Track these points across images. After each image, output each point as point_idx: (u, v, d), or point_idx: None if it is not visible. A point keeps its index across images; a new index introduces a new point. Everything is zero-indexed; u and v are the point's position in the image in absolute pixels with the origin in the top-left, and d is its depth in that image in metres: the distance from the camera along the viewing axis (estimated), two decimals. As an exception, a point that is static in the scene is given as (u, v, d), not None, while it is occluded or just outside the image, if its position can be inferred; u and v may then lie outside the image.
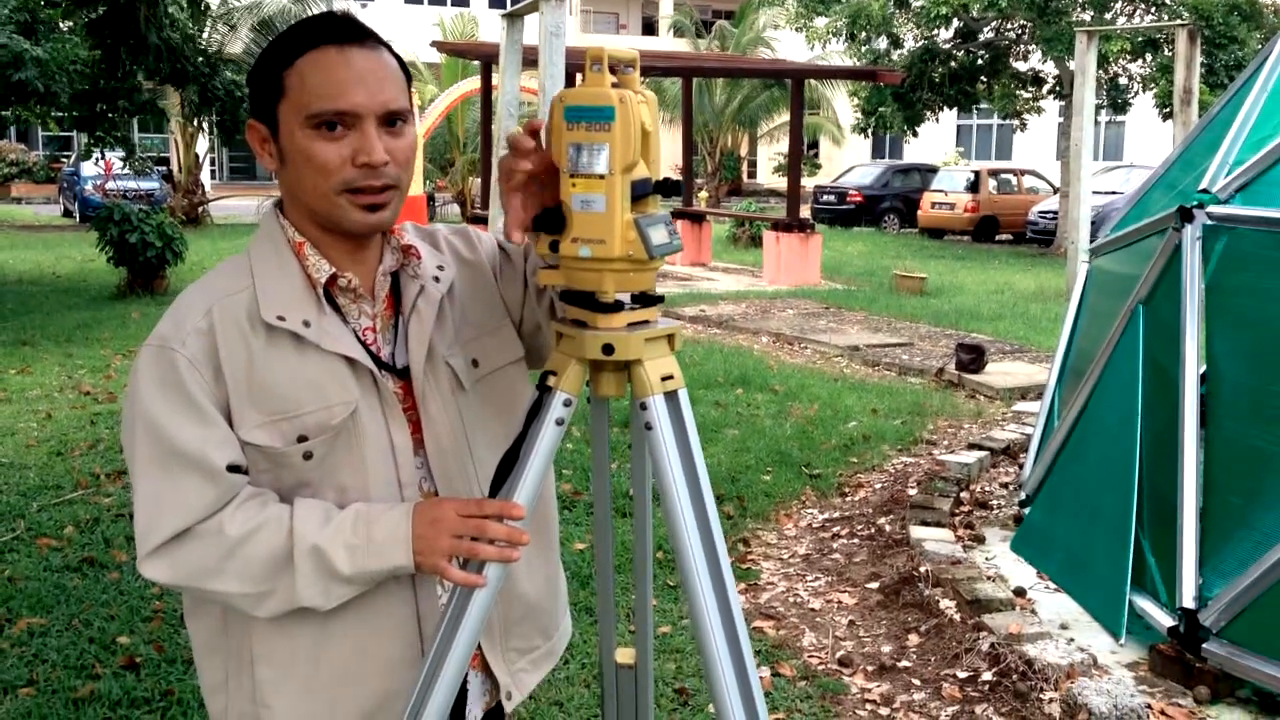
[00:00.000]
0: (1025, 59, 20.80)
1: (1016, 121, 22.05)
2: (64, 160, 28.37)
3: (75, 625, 3.91)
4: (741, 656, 1.39)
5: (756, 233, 18.29)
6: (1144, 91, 19.52)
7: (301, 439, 1.41)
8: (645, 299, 1.42)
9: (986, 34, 20.18)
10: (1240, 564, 3.47)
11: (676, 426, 1.41)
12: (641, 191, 1.35)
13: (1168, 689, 3.56)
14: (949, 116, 28.66)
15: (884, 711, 3.50)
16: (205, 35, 19.09)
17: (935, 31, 19.57)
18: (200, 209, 21.69)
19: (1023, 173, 24.13)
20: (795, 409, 7.32)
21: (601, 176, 1.32)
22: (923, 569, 4.38)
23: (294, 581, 1.37)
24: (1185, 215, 3.92)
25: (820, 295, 13.29)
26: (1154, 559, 3.88)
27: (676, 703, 3.48)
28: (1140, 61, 18.83)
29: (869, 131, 22.35)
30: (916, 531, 4.85)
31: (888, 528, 5.02)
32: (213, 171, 32.26)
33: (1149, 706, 3.35)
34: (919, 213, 23.79)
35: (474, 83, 18.95)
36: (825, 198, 25.90)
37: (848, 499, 5.62)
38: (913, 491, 5.54)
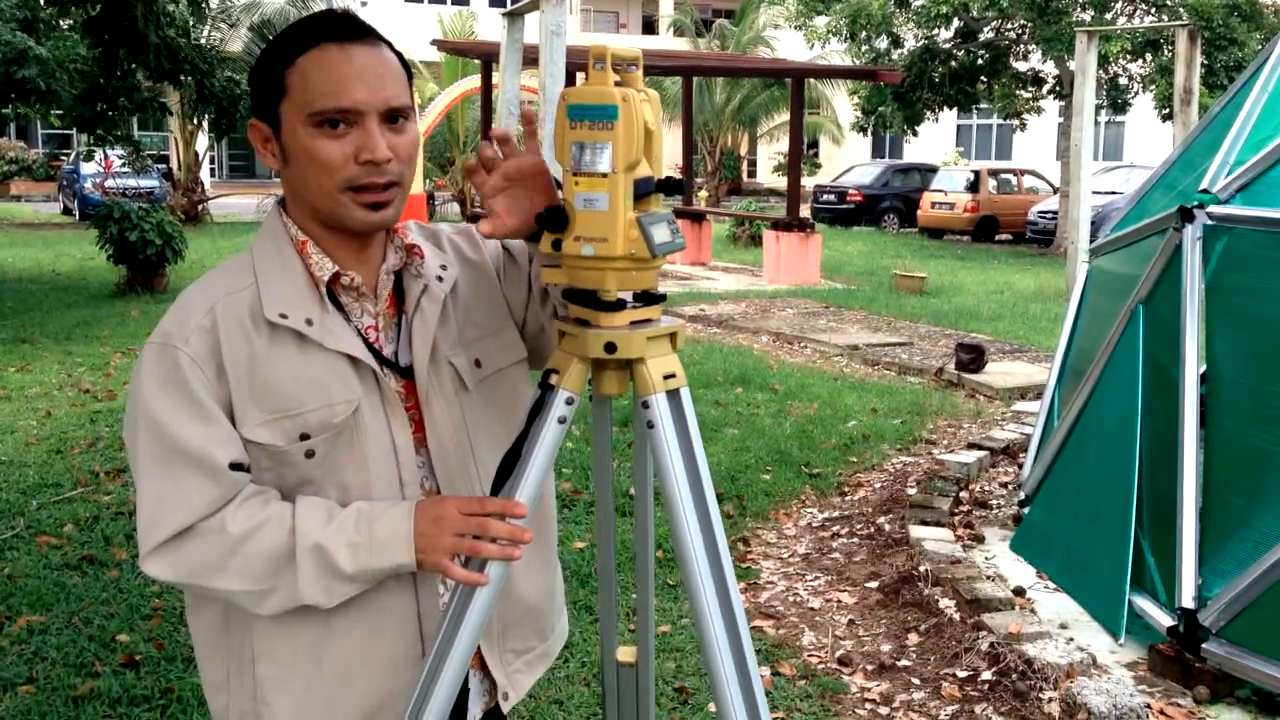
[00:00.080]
0: (1025, 59, 20.80)
1: (1016, 121, 22.06)
2: (64, 158, 28.35)
3: (75, 623, 3.91)
4: (743, 655, 1.39)
5: (756, 232, 18.28)
6: (1144, 92, 19.54)
7: (304, 437, 1.41)
8: (647, 297, 1.42)
9: (987, 34, 20.18)
10: (1240, 564, 3.47)
11: (679, 425, 1.41)
12: (644, 190, 1.35)
13: (1167, 689, 3.56)
14: (949, 116, 28.65)
15: (883, 711, 3.50)
16: (205, 33, 19.11)
17: (935, 31, 19.58)
18: (200, 207, 21.69)
19: (1022, 173, 24.13)
20: (795, 408, 7.32)
21: (604, 175, 1.32)
22: (922, 568, 4.38)
23: (296, 579, 1.37)
24: (1185, 215, 3.93)
25: (820, 295, 13.28)
26: (1153, 559, 3.88)
27: (676, 701, 3.48)
28: (1140, 62, 18.83)
29: (869, 131, 22.35)
30: (916, 531, 4.85)
31: (887, 527, 5.02)
32: (212, 169, 32.27)
33: (1148, 706, 3.35)
34: (919, 212, 23.79)
35: (474, 81, 18.95)
36: (825, 197, 25.89)
37: (847, 498, 5.62)
38: (912, 491, 5.54)
